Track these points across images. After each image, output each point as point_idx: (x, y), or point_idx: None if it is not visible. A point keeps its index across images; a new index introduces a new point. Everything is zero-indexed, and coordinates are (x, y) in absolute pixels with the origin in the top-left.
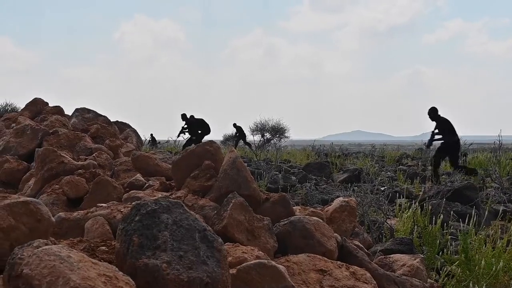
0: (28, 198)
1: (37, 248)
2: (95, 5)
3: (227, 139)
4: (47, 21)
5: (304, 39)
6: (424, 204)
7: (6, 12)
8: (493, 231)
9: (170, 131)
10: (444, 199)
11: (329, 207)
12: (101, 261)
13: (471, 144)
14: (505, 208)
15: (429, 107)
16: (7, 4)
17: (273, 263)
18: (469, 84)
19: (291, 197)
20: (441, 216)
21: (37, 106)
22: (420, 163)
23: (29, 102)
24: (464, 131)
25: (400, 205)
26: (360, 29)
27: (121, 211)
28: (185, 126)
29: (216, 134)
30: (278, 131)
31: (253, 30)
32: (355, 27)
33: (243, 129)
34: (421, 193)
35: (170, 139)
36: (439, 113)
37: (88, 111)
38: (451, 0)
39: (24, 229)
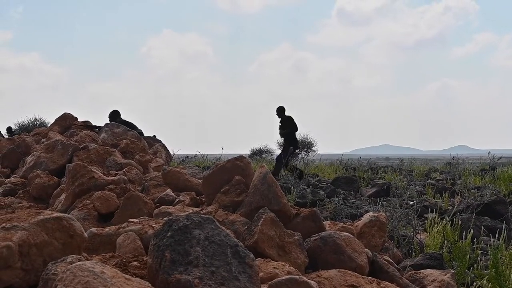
0: (61, 214)
1: (71, 264)
2: (123, 20)
3: (254, 153)
4: (75, 36)
5: (332, 53)
6: (454, 219)
7: (35, 29)
8: None
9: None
10: (474, 214)
11: (359, 222)
12: (133, 277)
13: (500, 158)
14: None
15: (278, 106)
16: (35, 21)
17: (305, 278)
18: (498, 98)
19: (319, 212)
20: (471, 231)
21: (66, 121)
22: (449, 177)
23: (59, 117)
24: (493, 145)
25: (429, 220)
26: (388, 43)
27: (153, 227)
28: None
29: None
30: (305, 145)
31: (281, 44)
32: (383, 40)
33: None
34: (450, 207)
35: (198, 153)
36: (285, 112)
37: (118, 126)
38: (480, 13)
39: (57, 245)
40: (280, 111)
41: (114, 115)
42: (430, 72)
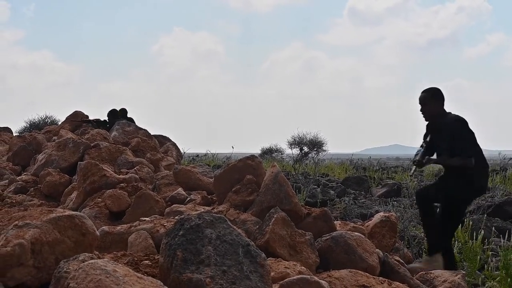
0: (73, 212)
1: (83, 262)
2: (134, 19)
3: (265, 152)
4: (87, 35)
5: (343, 52)
6: (465, 220)
7: (46, 27)
8: None
9: (208, 144)
10: (485, 215)
11: (370, 222)
12: (145, 275)
13: (511, 159)
14: None
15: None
16: (47, 19)
17: (316, 278)
18: (510, 98)
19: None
20: (482, 232)
21: (77, 119)
22: None
23: (70, 115)
24: (503, 145)
25: None
26: (400, 42)
27: (164, 225)
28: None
29: (253, 148)
30: (316, 144)
31: (292, 43)
32: (394, 40)
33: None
34: None
35: (208, 152)
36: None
37: (129, 124)
38: (493, 14)
39: (69, 243)
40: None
41: (113, 115)
42: (442, 72)
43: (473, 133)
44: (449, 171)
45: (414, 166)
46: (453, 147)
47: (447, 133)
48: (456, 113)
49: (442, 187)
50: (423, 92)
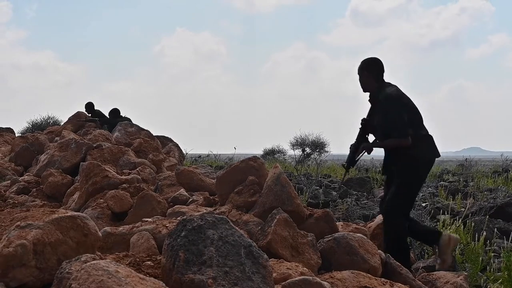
0: (76, 213)
1: (85, 263)
2: (136, 19)
3: (267, 153)
4: (89, 35)
5: (345, 52)
6: (467, 221)
7: (49, 27)
8: None
9: (210, 144)
10: (487, 216)
11: (372, 223)
12: (147, 276)
13: None
14: None
15: (87, 102)
16: (50, 19)
17: (318, 279)
18: None
19: (332, 213)
20: (484, 233)
21: (79, 119)
22: (461, 179)
23: (72, 115)
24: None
25: (442, 222)
26: (402, 43)
27: (166, 226)
28: None
29: (255, 149)
30: (318, 145)
31: (294, 43)
32: (396, 41)
33: None
34: (462, 209)
35: (210, 153)
36: (95, 108)
37: (131, 125)
38: (496, 15)
39: (71, 244)
40: (89, 107)
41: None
42: (444, 73)
43: (408, 105)
44: (390, 153)
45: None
46: (386, 127)
47: (379, 111)
48: (392, 86)
49: (390, 177)
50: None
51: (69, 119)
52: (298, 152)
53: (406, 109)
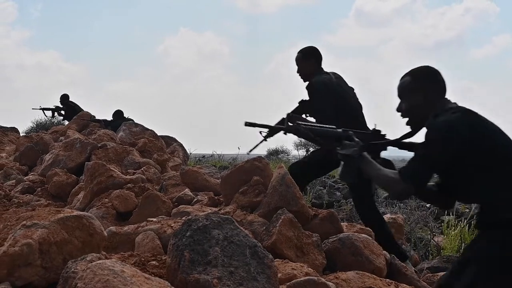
0: (81, 213)
1: (91, 262)
2: (140, 19)
3: (271, 154)
4: (93, 35)
5: (350, 53)
6: (471, 222)
7: (53, 27)
8: None
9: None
10: None
11: None
12: (152, 276)
13: None
14: None
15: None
16: (53, 19)
17: (323, 280)
18: None
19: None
20: None
21: (84, 119)
22: None
23: (76, 115)
24: None
25: (446, 222)
26: (406, 44)
27: (171, 226)
28: None
29: (259, 149)
30: None
31: (298, 44)
32: (401, 41)
33: None
34: (467, 210)
35: (214, 152)
36: (68, 99)
37: (136, 125)
38: (500, 15)
39: (77, 243)
40: (63, 98)
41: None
42: (449, 73)
43: (335, 93)
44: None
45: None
46: (315, 116)
47: (310, 100)
48: (326, 74)
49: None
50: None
51: (74, 118)
52: (302, 152)
53: (332, 97)
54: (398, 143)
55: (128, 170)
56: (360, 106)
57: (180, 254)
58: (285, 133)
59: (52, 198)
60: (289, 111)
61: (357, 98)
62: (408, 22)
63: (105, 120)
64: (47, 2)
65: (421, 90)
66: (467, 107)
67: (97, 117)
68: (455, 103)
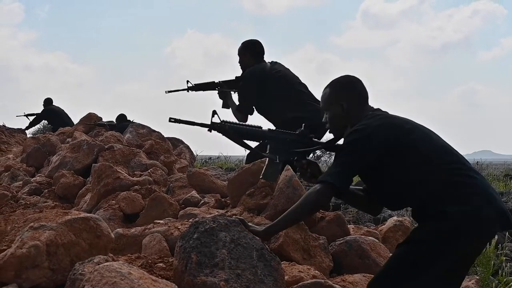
0: (89, 214)
1: (98, 264)
2: (147, 20)
3: None
4: (100, 36)
5: (356, 55)
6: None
7: (60, 28)
8: None
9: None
10: None
11: (383, 226)
12: (159, 278)
13: None
14: None
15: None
16: (61, 20)
17: (330, 282)
18: None
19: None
20: (496, 237)
21: (91, 121)
22: None
23: (83, 116)
24: None
25: None
26: (413, 46)
27: (178, 228)
28: None
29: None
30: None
31: (305, 45)
32: (408, 43)
33: None
34: None
35: (220, 154)
36: (52, 104)
37: (143, 126)
38: (508, 18)
39: (84, 245)
40: (46, 103)
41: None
42: (456, 75)
43: (265, 83)
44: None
45: None
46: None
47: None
48: (261, 64)
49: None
50: None
51: (81, 120)
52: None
53: (257, 86)
54: (326, 146)
55: (135, 172)
56: (307, 93)
57: (187, 257)
58: (209, 131)
59: (59, 199)
60: (222, 79)
61: (303, 85)
62: (415, 24)
63: (110, 124)
64: (54, 3)
65: (339, 100)
66: (388, 112)
67: (104, 119)
68: (378, 108)
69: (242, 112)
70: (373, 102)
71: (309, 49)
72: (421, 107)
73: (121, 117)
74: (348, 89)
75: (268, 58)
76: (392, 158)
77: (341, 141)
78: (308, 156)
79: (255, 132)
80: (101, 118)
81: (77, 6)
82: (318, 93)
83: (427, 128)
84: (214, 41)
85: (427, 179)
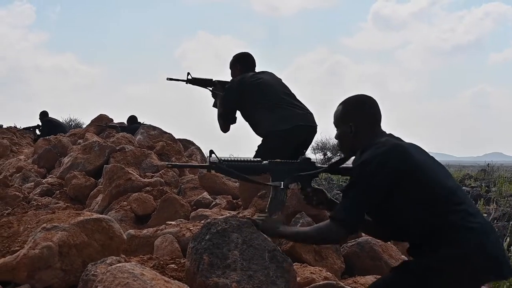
0: (101, 216)
1: (110, 265)
2: (158, 22)
3: None
4: (111, 38)
5: (368, 56)
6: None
7: (71, 29)
8: None
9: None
10: (510, 222)
11: None
12: (171, 279)
13: None
14: None
15: (40, 111)
16: (71, 21)
17: (342, 284)
18: None
19: None
20: (507, 239)
21: (102, 122)
22: (483, 185)
23: (95, 118)
24: None
25: None
26: (424, 47)
27: (190, 229)
28: None
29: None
30: (339, 149)
31: (317, 47)
32: (419, 45)
33: None
34: (485, 215)
35: (231, 156)
36: (47, 116)
37: (154, 128)
38: None
39: (97, 246)
40: (42, 115)
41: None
42: (467, 77)
43: (244, 91)
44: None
45: None
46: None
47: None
48: (245, 74)
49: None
50: None
51: (92, 121)
52: (319, 156)
53: (237, 96)
54: (330, 169)
55: (146, 173)
56: (291, 95)
57: (199, 258)
58: (208, 171)
59: (70, 200)
60: (220, 79)
61: (287, 89)
62: (426, 25)
63: (121, 126)
64: (65, 4)
65: (349, 120)
66: (396, 138)
67: (114, 120)
68: (390, 134)
69: (223, 119)
70: (384, 104)
71: (320, 50)
72: (432, 109)
73: (132, 119)
74: (359, 110)
75: (277, 60)
76: (399, 195)
77: (344, 160)
78: (313, 179)
79: (256, 166)
80: (112, 120)
81: (87, 7)
82: (329, 97)
83: (436, 162)
84: (224, 43)
85: (429, 218)
